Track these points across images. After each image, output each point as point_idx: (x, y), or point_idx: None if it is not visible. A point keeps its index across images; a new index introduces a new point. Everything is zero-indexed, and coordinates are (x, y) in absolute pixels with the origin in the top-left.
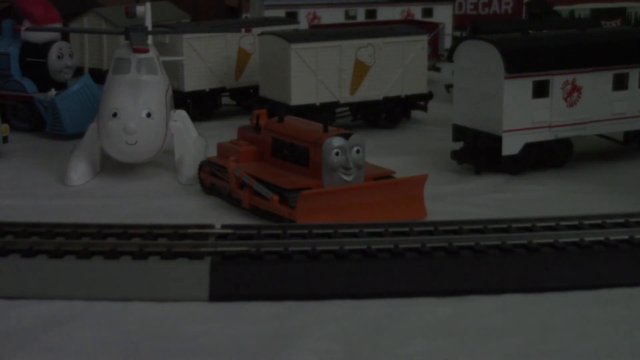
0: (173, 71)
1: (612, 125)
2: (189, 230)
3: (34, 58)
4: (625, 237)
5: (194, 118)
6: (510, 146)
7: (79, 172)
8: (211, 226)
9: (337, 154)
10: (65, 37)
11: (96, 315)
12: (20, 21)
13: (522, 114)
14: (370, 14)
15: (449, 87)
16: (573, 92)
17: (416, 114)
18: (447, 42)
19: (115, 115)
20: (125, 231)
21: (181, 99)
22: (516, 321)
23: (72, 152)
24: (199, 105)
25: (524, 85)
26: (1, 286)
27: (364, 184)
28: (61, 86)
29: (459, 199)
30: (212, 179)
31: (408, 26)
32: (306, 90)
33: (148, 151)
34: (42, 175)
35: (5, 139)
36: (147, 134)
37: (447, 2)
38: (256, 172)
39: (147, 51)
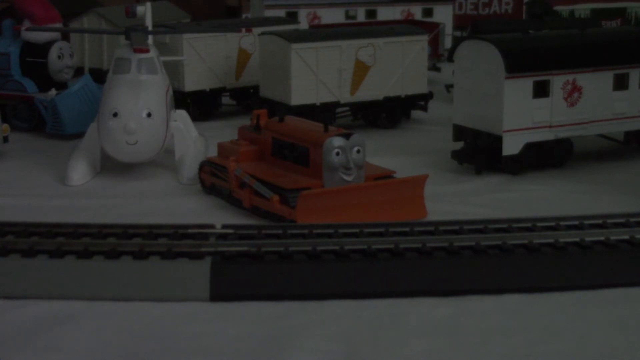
0: (173, 71)
1: (613, 125)
2: (190, 230)
3: (34, 58)
4: (626, 237)
5: (194, 118)
6: (511, 146)
7: (79, 172)
8: (211, 226)
9: (337, 154)
10: (65, 37)
11: (96, 315)
12: (20, 21)
13: (523, 114)
14: (370, 14)
15: (449, 87)
16: (573, 92)
17: (416, 114)
18: (447, 42)
19: (115, 115)
20: (125, 231)
21: (181, 99)
22: (516, 321)
23: (72, 152)
24: (199, 105)
25: (524, 85)
26: (1, 286)
27: (364, 184)
28: (61, 86)
29: (459, 199)
30: (213, 179)
31: (408, 26)
32: (306, 90)
33: (148, 151)
34: (42, 175)
35: (5, 139)
36: (147, 134)
37: (447, 2)
38: (256, 172)
39: (147, 51)
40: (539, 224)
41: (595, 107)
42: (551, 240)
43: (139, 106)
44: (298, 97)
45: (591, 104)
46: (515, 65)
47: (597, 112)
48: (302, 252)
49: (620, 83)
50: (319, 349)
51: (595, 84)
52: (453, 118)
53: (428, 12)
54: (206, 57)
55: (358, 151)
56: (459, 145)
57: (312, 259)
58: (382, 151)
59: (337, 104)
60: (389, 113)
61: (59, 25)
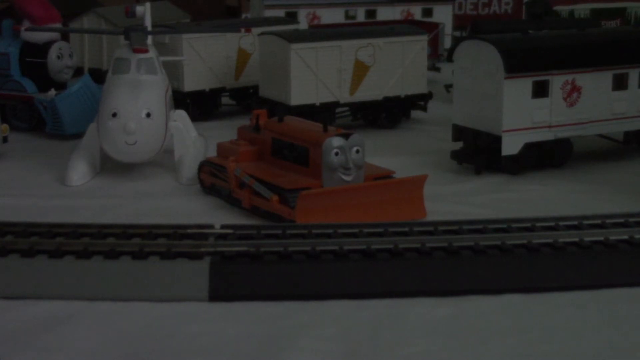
0: (173, 71)
1: (612, 125)
2: (189, 230)
3: (33, 58)
4: (625, 237)
5: (194, 118)
6: (510, 146)
7: (79, 172)
8: (211, 226)
9: (336, 154)
10: (65, 37)
11: (96, 315)
12: (20, 21)
13: (522, 114)
14: (370, 14)
15: (449, 87)
16: (573, 92)
17: (416, 114)
18: (447, 42)
19: (115, 115)
20: (125, 231)
21: (181, 99)
22: (516, 321)
23: (72, 152)
24: (199, 105)
25: (524, 85)
26: (1, 286)
27: (363, 184)
28: (61, 86)
29: (459, 199)
30: (212, 179)
31: (408, 26)
32: (306, 90)
33: (148, 151)
34: (42, 175)
35: (5, 139)
36: (146, 134)
37: (447, 2)
38: (256, 172)
39: (146, 51)
40: (538, 224)
41: (594, 107)
42: (550, 241)
43: (139, 106)
44: (298, 97)
45: (591, 104)
46: (515, 65)
47: (597, 112)
48: (302, 252)
49: (620, 83)
50: (318, 349)
51: (595, 84)
52: (453, 118)
53: (428, 12)
54: (206, 57)
55: (357, 151)
56: (459, 145)
57: (312, 259)
58: (382, 151)
59: (336, 104)
60: (389, 113)
61: (59, 25)
